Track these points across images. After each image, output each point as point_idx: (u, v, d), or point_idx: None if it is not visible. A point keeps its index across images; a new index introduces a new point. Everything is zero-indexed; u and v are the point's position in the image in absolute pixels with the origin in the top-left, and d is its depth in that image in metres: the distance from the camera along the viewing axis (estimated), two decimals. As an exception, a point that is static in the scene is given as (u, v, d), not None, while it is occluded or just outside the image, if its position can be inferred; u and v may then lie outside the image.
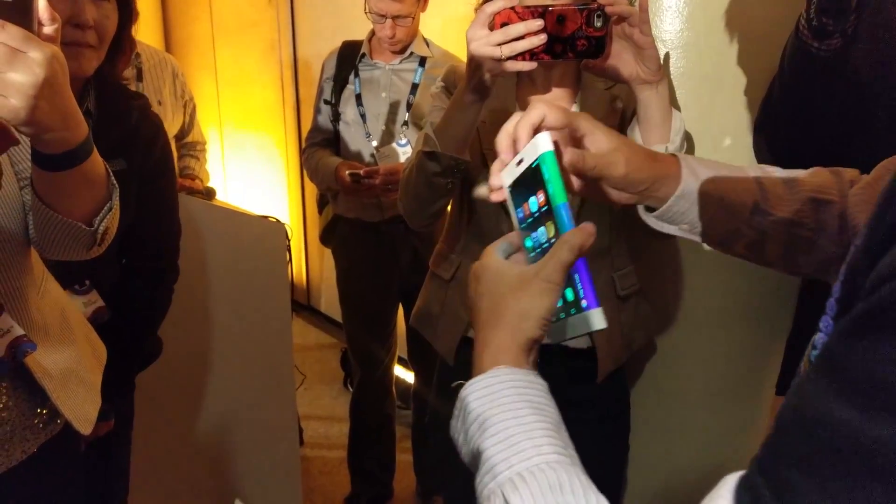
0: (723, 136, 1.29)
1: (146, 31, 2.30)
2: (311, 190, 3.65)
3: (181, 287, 1.43)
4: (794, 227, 0.65)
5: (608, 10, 0.90)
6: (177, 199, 1.40)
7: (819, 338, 0.36)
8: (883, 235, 0.33)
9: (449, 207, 1.27)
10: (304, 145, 2.19)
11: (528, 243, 0.60)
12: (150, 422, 1.59)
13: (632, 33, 0.94)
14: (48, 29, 0.69)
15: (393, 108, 2.02)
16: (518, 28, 0.90)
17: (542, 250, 0.58)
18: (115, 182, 0.89)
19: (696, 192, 0.65)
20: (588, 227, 0.53)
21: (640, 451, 1.38)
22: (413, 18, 1.92)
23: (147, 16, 4.08)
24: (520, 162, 0.60)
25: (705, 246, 0.72)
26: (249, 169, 4.24)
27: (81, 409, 1.00)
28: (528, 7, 0.91)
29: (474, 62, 0.94)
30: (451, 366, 1.25)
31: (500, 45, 0.90)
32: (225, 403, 1.89)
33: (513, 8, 0.90)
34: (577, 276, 0.54)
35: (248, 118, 4.17)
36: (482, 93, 0.99)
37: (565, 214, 0.54)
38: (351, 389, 2.97)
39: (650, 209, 0.70)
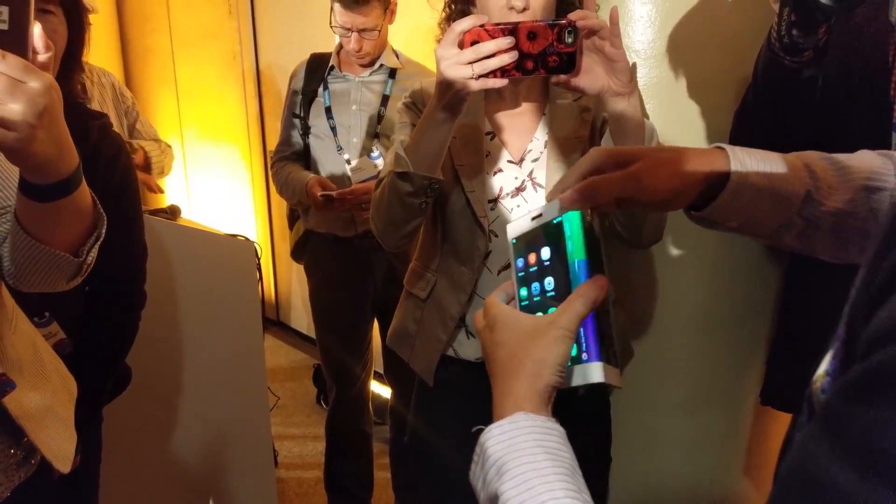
0: (696, 145, 1.30)
1: (101, 45, 2.24)
2: (279, 203, 3.59)
3: (148, 312, 1.38)
4: (847, 217, 0.62)
5: (580, 24, 0.90)
6: (142, 220, 1.35)
7: (826, 382, 0.35)
8: (881, 281, 0.32)
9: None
10: (271, 159, 2.15)
11: (522, 293, 0.63)
12: (121, 450, 1.53)
13: (602, 46, 0.93)
14: (42, 57, 0.68)
15: (364, 121, 1.99)
16: (489, 46, 0.89)
17: (540, 301, 0.60)
18: (101, 211, 0.86)
19: (747, 186, 0.62)
20: (601, 281, 0.55)
21: (623, 459, 1.38)
22: (380, 31, 1.90)
23: (102, 28, 3.97)
24: (536, 217, 0.62)
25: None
26: (213, 184, 4.15)
27: (60, 447, 0.96)
28: (498, 24, 0.91)
29: (445, 81, 0.93)
30: (430, 386, 1.23)
31: (470, 63, 0.90)
32: (197, 428, 1.83)
33: (482, 25, 0.90)
34: (582, 330, 0.56)
35: (210, 132, 4.09)
36: (454, 111, 0.98)
37: (583, 270, 0.56)
38: (325, 406, 2.92)
39: (694, 208, 0.67)
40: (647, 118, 1.07)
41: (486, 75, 0.91)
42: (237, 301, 1.81)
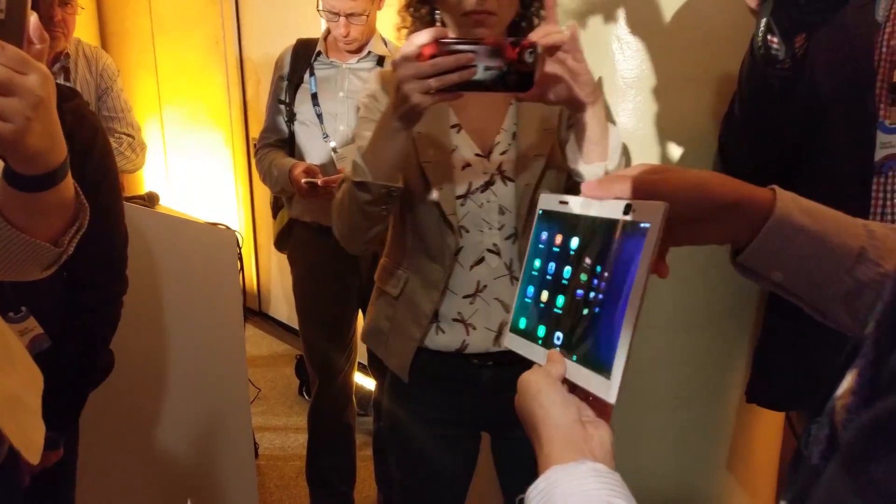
0: (678, 141, 1.29)
1: (78, 26, 2.19)
2: (261, 191, 3.55)
3: (128, 300, 1.35)
4: None
5: (542, 42, 0.90)
6: (122, 204, 1.32)
7: (852, 403, 0.34)
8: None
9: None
10: (255, 146, 2.11)
11: (536, 263, 0.62)
12: (98, 442, 1.51)
13: (565, 59, 0.93)
14: (37, 47, 0.69)
15: (351, 108, 1.96)
16: (449, 61, 0.88)
17: (550, 282, 0.59)
18: (84, 201, 0.85)
19: (791, 224, 0.56)
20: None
21: (608, 455, 1.37)
22: (368, 16, 1.87)
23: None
24: (585, 206, 0.59)
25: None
26: (194, 171, 4.09)
27: (29, 436, 0.95)
28: (459, 39, 0.90)
29: (402, 93, 0.91)
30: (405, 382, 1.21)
31: (429, 78, 0.88)
32: (176, 420, 1.81)
33: (443, 39, 0.88)
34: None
35: (191, 118, 4.02)
36: (409, 122, 0.96)
37: (644, 280, 0.51)
38: (307, 398, 2.90)
39: (736, 252, 0.61)
40: (614, 124, 1.08)
41: (444, 90, 0.90)
42: (217, 291, 1.78)
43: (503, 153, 1.12)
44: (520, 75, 0.90)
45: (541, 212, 0.64)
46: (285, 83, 2.00)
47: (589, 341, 0.55)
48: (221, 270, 1.77)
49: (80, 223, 0.86)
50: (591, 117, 0.98)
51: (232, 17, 3.57)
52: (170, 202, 3.97)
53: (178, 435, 1.82)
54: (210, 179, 3.99)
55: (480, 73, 0.89)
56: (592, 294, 0.55)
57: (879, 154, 1.02)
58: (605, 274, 0.54)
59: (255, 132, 2.63)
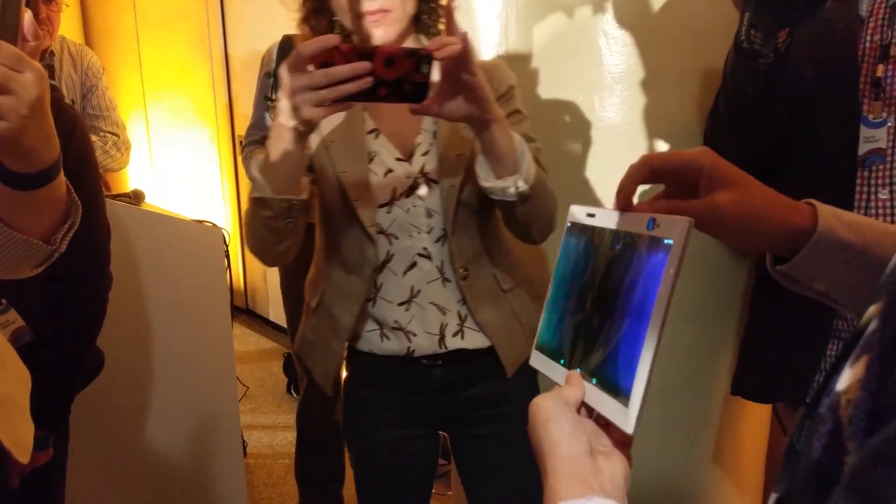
0: (664, 135, 1.29)
1: (62, 23, 2.17)
2: (247, 188, 3.52)
3: (114, 298, 1.34)
4: None
5: (437, 55, 0.85)
6: (103, 198, 1.30)
7: (861, 398, 0.33)
8: None
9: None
10: (241, 143, 2.10)
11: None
12: (87, 440, 1.49)
13: (458, 74, 0.88)
14: (31, 44, 0.68)
15: (337, 105, 1.95)
16: (343, 71, 0.82)
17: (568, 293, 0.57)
18: (76, 199, 0.85)
19: (834, 240, 0.55)
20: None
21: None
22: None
23: (63, 6, 3.82)
24: (606, 218, 0.57)
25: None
26: (180, 168, 4.06)
27: (19, 435, 0.94)
28: (354, 47, 0.85)
29: (292, 105, 0.86)
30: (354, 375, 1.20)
31: (322, 87, 0.83)
32: (164, 418, 1.79)
33: (337, 47, 0.82)
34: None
35: (177, 116, 3.99)
36: (303, 133, 0.91)
37: (665, 303, 0.48)
38: (295, 395, 2.88)
39: (780, 260, 0.60)
40: (535, 140, 1.04)
41: (337, 101, 0.84)
42: (205, 289, 1.76)
43: (425, 154, 1.08)
44: (414, 86, 0.86)
45: (569, 224, 0.61)
46: (272, 80, 1.98)
47: (609, 364, 0.52)
48: (208, 268, 1.76)
49: (72, 221, 0.85)
50: (491, 135, 0.93)
51: (217, 13, 3.55)
52: (155, 200, 3.93)
53: (167, 434, 1.80)
54: (196, 177, 3.96)
55: (374, 83, 0.84)
56: (615, 313, 0.52)
57: (863, 149, 1.03)
58: (628, 292, 0.51)
59: (241, 129, 2.61)
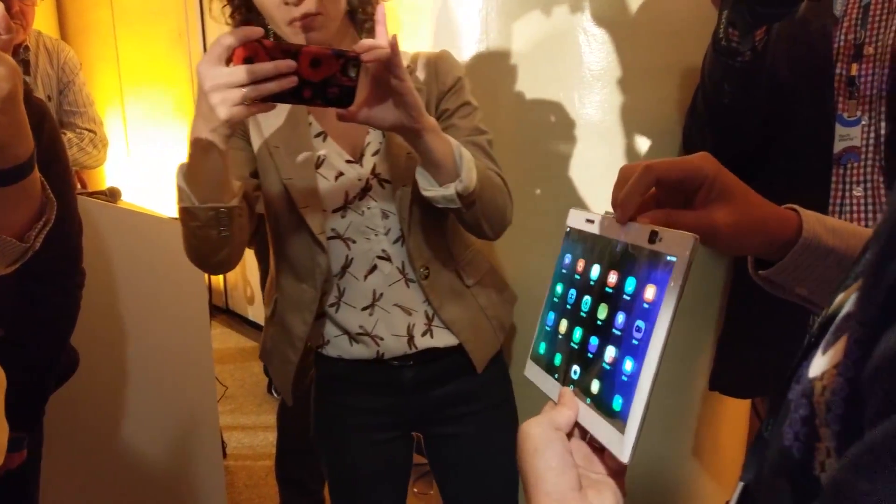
0: (642, 132, 1.30)
1: (36, 18, 2.14)
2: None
3: (90, 297, 1.32)
4: None
5: (364, 58, 0.81)
6: (74, 190, 1.28)
7: (839, 384, 0.32)
8: (883, 301, 0.28)
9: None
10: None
11: (558, 289, 0.56)
12: (62, 442, 1.46)
13: (387, 79, 0.84)
14: (3, 38, 0.67)
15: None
16: (267, 67, 0.77)
17: (570, 311, 0.54)
18: (51, 195, 0.83)
19: (822, 247, 0.55)
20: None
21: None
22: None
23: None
24: (608, 228, 0.53)
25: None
26: (157, 166, 4.00)
27: None
28: (279, 44, 0.79)
29: (210, 104, 0.80)
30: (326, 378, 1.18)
31: (244, 85, 0.78)
32: (142, 419, 1.77)
33: (259, 41, 0.78)
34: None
35: (155, 113, 3.94)
36: (223, 135, 0.84)
37: (668, 322, 0.45)
38: (275, 395, 2.86)
39: (762, 264, 0.59)
40: (486, 132, 1.02)
41: (258, 100, 0.79)
42: (182, 288, 1.74)
43: (375, 154, 1.05)
44: (340, 89, 0.82)
45: (568, 229, 0.57)
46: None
47: (605, 385, 0.48)
48: (186, 266, 1.72)
49: (46, 218, 0.83)
50: (429, 142, 0.90)
51: (196, 9, 3.50)
52: (132, 197, 3.88)
53: (144, 435, 1.78)
54: (174, 174, 3.91)
55: (299, 84, 0.79)
56: (613, 330, 0.48)
57: (838, 147, 1.04)
58: (626, 308, 0.48)
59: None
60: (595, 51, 1.27)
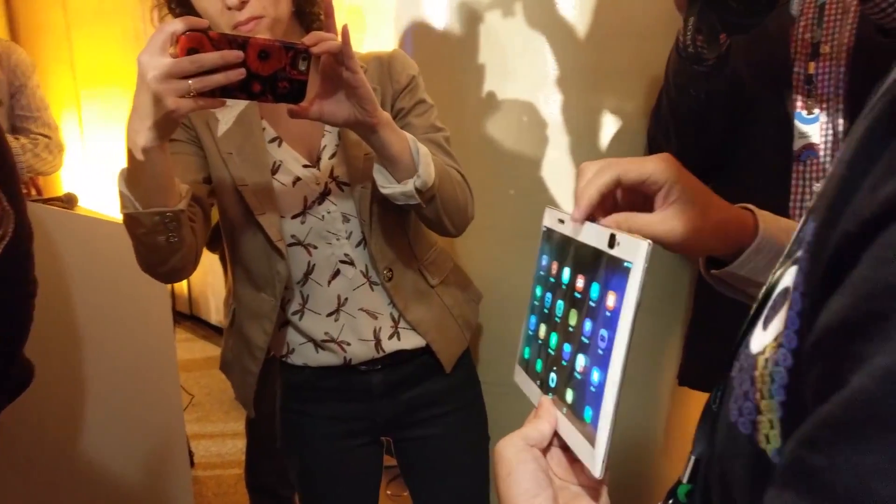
0: (609, 135, 1.31)
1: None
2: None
3: (47, 307, 1.27)
4: None
5: (314, 50, 0.79)
6: (23, 196, 1.23)
7: (782, 356, 0.32)
8: (823, 272, 0.28)
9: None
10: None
11: (537, 291, 0.55)
12: (17, 459, 1.41)
13: (339, 72, 0.81)
14: None
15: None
16: (213, 58, 0.74)
17: (547, 315, 0.53)
18: (7, 207, 0.77)
19: (778, 248, 0.55)
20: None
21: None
22: None
23: (-14, 1, 3.64)
24: (575, 228, 0.53)
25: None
26: (115, 170, 3.90)
27: None
28: (225, 35, 0.76)
29: (152, 97, 0.75)
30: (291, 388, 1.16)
31: (187, 77, 0.74)
32: (105, 430, 1.72)
33: (205, 31, 0.74)
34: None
35: (112, 117, 3.84)
36: (163, 134, 0.80)
37: (627, 332, 0.44)
38: (243, 402, 2.82)
39: (715, 264, 0.59)
40: (443, 129, 1.01)
41: (205, 94, 0.75)
42: (145, 294, 1.70)
43: (332, 156, 1.03)
44: (291, 83, 0.79)
45: (544, 229, 0.56)
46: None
47: (577, 395, 0.47)
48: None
49: (2, 230, 0.79)
50: (385, 137, 0.88)
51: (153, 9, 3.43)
52: (90, 203, 3.78)
53: (108, 449, 1.73)
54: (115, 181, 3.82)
55: (248, 78, 0.76)
56: (582, 338, 0.47)
57: (798, 144, 1.06)
58: (592, 315, 0.47)
59: (182, 129, 2.52)
60: (560, 52, 1.28)
